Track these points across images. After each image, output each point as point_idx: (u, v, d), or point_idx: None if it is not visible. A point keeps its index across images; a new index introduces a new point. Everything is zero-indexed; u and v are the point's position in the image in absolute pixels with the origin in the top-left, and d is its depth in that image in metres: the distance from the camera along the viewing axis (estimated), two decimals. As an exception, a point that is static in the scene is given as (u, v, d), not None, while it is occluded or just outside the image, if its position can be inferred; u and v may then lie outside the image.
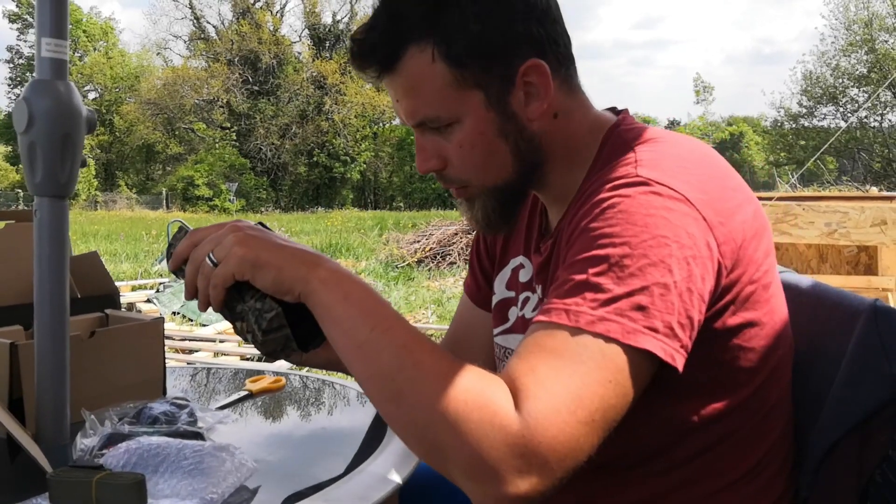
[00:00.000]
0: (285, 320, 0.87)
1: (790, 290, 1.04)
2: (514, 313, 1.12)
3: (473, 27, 0.93)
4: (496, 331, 1.16)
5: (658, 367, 0.80)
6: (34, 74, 1.12)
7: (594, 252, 0.82)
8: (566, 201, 1.02)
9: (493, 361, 1.19)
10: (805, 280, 1.14)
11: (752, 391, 0.94)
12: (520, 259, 1.13)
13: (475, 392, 0.76)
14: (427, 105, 0.95)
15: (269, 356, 0.92)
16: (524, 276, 1.11)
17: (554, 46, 0.98)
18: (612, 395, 0.77)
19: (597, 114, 1.03)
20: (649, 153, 0.91)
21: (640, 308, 0.79)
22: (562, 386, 0.75)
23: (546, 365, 0.77)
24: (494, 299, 1.18)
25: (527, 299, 1.10)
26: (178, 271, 0.97)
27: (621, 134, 0.99)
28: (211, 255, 0.89)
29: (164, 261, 10.09)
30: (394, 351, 0.80)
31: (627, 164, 0.90)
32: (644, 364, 0.79)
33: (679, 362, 0.80)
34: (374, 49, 0.96)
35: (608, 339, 0.78)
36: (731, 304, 0.89)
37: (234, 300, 0.89)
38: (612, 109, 1.07)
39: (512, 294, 1.14)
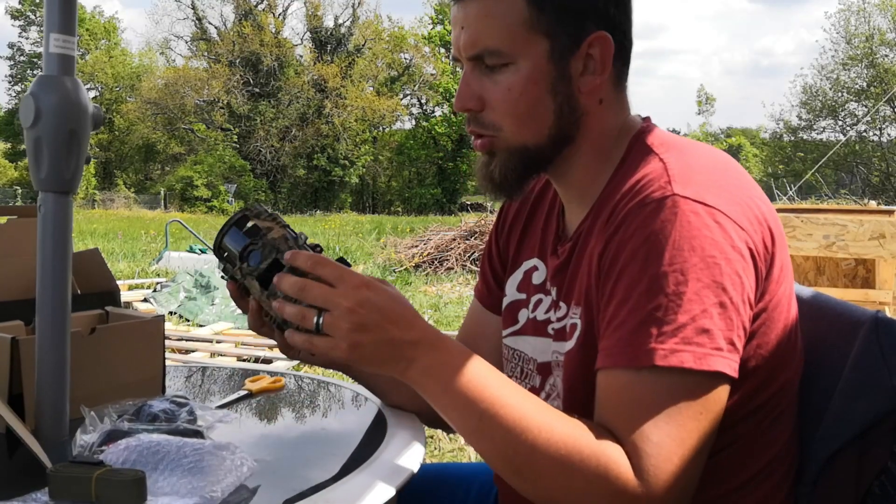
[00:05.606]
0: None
1: (792, 300, 1.04)
2: (524, 315, 1.12)
3: None
4: (506, 332, 1.16)
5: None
6: (41, 70, 1.12)
7: (647, 284, 0.85)
8: (587, 202, 1.02)
9: (502, 363, 1.18)
10: (806, 290, 1.14)
11: (766, 398, 0.95)
12: (534, 261, 1.13)
13: (593, 464, 0.82)
14: (494, 36, 0.96)
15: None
16: (537, 279, 1.12)
17: (622, 35, 0.99)
18: (704, 423, 0.83)
19: (629, 117, 1.04)
20: (679, 165, 0.92)
21: (705, 331, 0.83)
22: (664, 434, 0.82)
23: (642, 417, 0.83)
24: (505, 301, 1.17)
25: (539, 301, 1.10)
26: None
27: (646, 141, 0.99)
28: (318, 318, 0.88)
29: (158, 262, 9.93)
30: (505, 434, 0.85)
31: (660, 179, 0.90)
32: (719, 384, 0.84)
33: (736, 373, 0.85)
34: None
35: (684, 371, 0.82)
36: (763, 311, 0.91)
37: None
38: (637, 116, 1.07)
39: (523, 296, 1.14)
